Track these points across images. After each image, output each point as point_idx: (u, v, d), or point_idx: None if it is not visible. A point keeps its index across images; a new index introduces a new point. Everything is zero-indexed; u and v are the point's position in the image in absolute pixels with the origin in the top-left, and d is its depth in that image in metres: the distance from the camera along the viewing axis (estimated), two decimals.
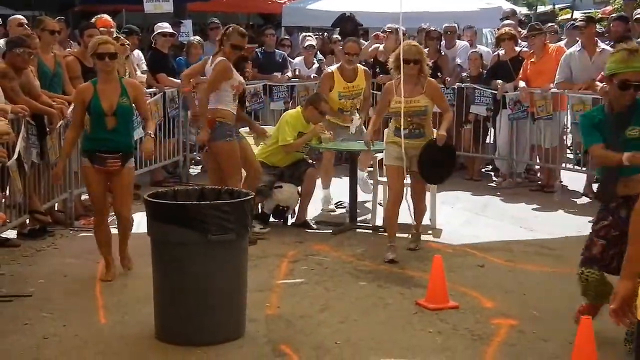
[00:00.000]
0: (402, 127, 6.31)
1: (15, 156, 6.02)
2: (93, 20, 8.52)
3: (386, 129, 8.39)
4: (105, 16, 8.69)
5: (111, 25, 8.54)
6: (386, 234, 6.60)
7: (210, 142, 6.66)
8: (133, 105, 5.73)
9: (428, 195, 7.63)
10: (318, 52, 11.08)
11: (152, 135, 5.77)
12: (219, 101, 6.64)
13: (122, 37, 8.23)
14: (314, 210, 7.84)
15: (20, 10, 12.16)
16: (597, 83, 8.32)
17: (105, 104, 5.52)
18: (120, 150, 5.62)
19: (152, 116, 8.66)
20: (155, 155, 8.80)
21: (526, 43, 9.69)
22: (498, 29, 11.07)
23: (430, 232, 7.32)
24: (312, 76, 10.51)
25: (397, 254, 6.32)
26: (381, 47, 10.27)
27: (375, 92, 9.54)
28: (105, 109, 5.52)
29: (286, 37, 12.19)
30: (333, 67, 8.27)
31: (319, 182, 7.91)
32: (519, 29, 10.68)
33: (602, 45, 8.89)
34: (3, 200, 6.23)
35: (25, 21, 7.70)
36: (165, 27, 9.49)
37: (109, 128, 5.54)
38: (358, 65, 8.19)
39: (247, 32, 11.60)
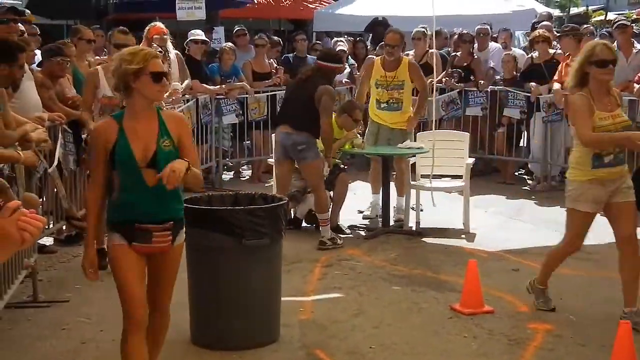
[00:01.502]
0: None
1: (56, 163, 6.10)
2: (147, 27, 8.55)
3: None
4: (159, 24, 8.64)
5: (164, 33, 8.52)
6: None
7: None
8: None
9: (461, 198, 7.61)
10: (349, 57, 11.09)
11: (190, 166, 3.65)
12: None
13: (154, 46, 8.26)
14: (346, 214, 7.81)
15: (57, 19, 12.36)
16: (635, 85, 8.22)
17: (138, 148, 3.62)
18: (170, 217, 3.73)
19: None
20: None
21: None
22: (532, 31, 10.99)
23: (463, 236, 7.27)
24: (343, 81, 10.52)
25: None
26: (410, 53, 10.24)
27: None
28: (139, 157, 3.62)
29: (318, 42, 12.21)
30: (377, 58, 8.13)
31: (359, 187, 7.85)
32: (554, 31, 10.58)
33: (638, 46, 8.79)
34: (41, 206, 6.30)
35: (36, 30, 7.74)
36: (198, 34, 9.56)
37: (149, 185, 3.63)
38: (405, 57, 7.96)
39: (278, 38, 11.74)
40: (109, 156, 3.64)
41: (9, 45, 5.24)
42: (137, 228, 3.66)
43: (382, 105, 7.83)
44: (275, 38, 11.45)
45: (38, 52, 7.58)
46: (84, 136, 6.53)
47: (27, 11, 8.54)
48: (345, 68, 10.66)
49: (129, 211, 3.67)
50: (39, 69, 7.00)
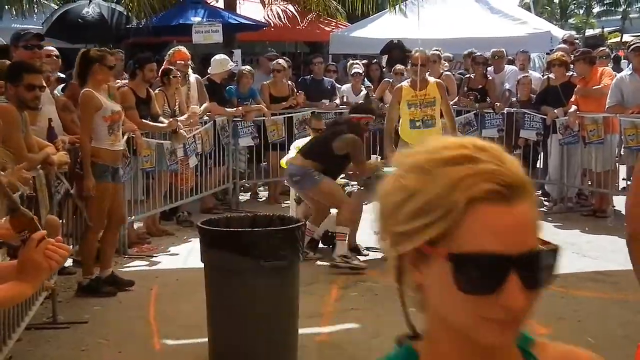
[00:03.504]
0: None
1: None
2: (170, 51, 8.60)
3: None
4: (183, 49, 8.74)
5: (188, 58, 8.64)
6: None
7: (81, 180, 5.96)
8: None
9: None
10: (365, 79, 11.15)
11: None
12: (93, 139, 5.98)
13: (174, 69, 8.35)
14: (362, 235, 7.82)
15: (76, 43, 12.53)
16: None
17: None
18: None
19: (204, 145, 8.83)
20: (205, 182, 9.00)
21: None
22: (547, 54, 11.01)
23: None
24: (359, 103, 10.58)
25: None
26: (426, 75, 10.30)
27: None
28: None
29: (332, 63, 12.26)
30: (404, 82, 8.22)
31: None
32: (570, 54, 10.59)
33: None
34: (61, 228, 6.37)
35: (56, 53, 7.81)
36: (230, 64, 9.68)
37: None
38: (429, 78, 8.08)
39: (291, 61, 11.80)
40: None
41: (14, 65, 5.31)
42: None
43: (417, 124, 7.89)
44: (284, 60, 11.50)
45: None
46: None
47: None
48: (362, 90, 10.76)
49: None
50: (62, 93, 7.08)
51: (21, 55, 6.48)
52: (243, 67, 10.41)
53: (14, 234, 2.20)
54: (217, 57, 9.67)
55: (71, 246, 6.52)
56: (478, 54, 10.30)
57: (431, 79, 8.07)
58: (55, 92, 6.99)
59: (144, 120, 7.62)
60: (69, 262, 6.84)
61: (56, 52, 7.92)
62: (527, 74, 10.16)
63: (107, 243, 6.28)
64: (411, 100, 7.88)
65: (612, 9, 42.62)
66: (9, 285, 2.16)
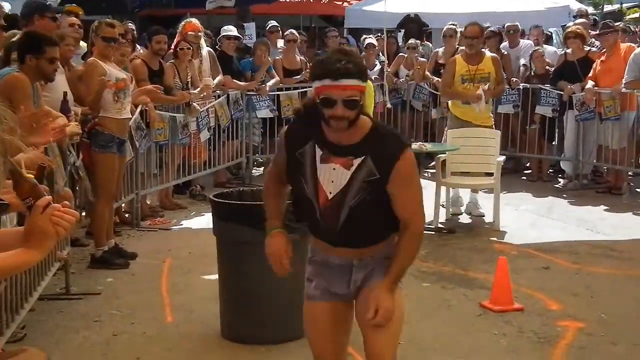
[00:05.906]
0: None
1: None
2: (182, 23, 8.57)
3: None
4: (194, 20, 8.67)
5: (199, 30, 8.57)
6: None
7: (87, 149, 6.05)
8: None
9: (491, 196, 7.57)
10: (380, 54, 11.05)
11: None
12: (101, 107, 6.07)
13: (182, 43, 8.28)
14: None
15: (92, 14, 12.51)
16: None
17: None
18: None
19: (220, 119, 8.78)
20: (218, 156, 8.99)
21: (598, 42, 9.48)
22: (564, 28, 10.87)
23: (493, 233, 7.24)
24: (373, 78, 10.50)
25: None
26: (440, 50, 10.22)
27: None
28: None
29: (345, 36, 12.13)
30: (458, 55, 8.11)
31: None
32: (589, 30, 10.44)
33: None
34: (74, 200, 6.38)
35: (78, 22, 7.76)
36: (230, 30, 9.61)
37: None
38: (486, 52, 7.93)
39: (306, 34, 11.71)
40: None
41: (35, 37, 5.28)
42: None
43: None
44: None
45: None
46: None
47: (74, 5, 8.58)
48: (376, 65, 10.68)
49: None
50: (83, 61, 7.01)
51: (44, 26, 6.42)
52: (257, 40, 10.34)
53: (20, 201, 2.19)
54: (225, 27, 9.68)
55: (83, 219, 6.53)
56: (491, 28, 10.16)
57: (487, 53, 7.91)
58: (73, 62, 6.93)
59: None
60: (81, 234, 6.87)
61: (78, 22, 7.86)
62: (539, 47, 10.00)
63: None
64: (465, 75, 7.73)
65: None
66: (16, 252, 2.15)
